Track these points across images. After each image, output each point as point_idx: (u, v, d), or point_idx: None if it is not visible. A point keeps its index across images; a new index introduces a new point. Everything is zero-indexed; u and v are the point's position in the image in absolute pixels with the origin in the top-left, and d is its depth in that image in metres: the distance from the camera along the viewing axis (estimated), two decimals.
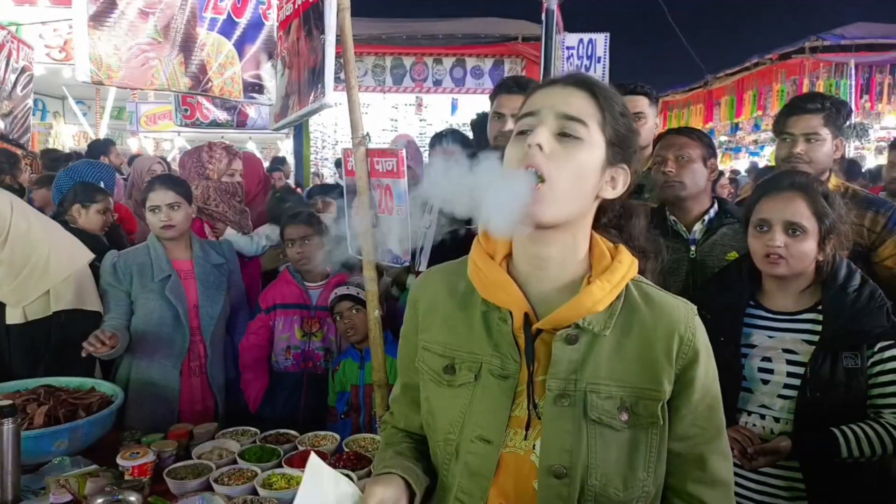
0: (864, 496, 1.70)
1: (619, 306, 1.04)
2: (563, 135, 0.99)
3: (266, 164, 8.28)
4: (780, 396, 1.72)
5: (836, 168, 2.34)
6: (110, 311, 2.56)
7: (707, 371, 1.06)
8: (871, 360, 1.67)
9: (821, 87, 8.68)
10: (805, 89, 8.89)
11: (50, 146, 10.56)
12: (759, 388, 1.76)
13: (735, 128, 12.14)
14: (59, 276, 2.41)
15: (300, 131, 8.64)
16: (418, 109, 9.82)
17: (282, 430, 2.27)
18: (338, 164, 8.90)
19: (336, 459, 2.05)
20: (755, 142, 12.63)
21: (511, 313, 1.04)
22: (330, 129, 10.15)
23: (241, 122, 6.06)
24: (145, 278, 2.57)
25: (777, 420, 1.73)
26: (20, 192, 4.10)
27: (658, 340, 1.03)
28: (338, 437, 2.23)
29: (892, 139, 6.32)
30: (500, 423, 1.04)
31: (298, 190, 6.37)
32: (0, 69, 3.62)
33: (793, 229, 1.70)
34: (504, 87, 2.47)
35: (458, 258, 1.19)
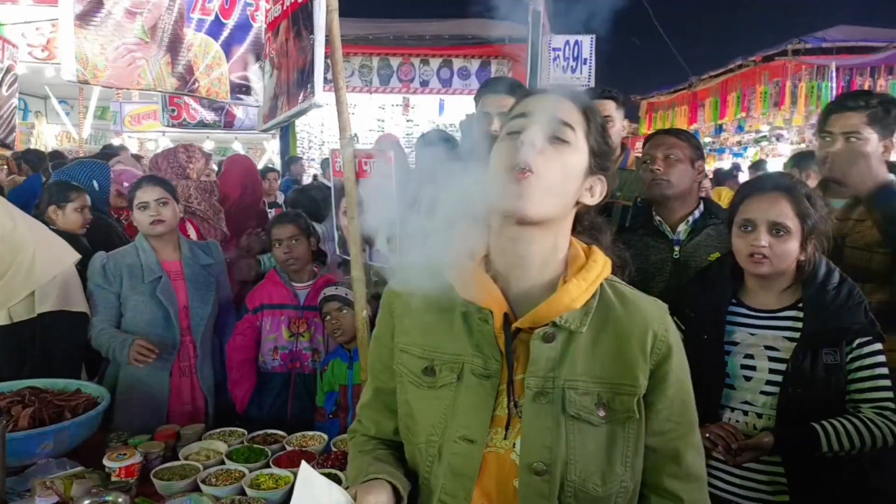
0: (843, 490, 1.74)
1: (594, 304, 1.07)
2: (552, 138, 1.03)
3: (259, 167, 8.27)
4: (762, 393, 1.75)
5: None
6: (99, 313, 2.55)
7: (681, 366, 1.09)
8: (850, 356, 1.71)
9: (803, 90, 8.81)
10: (787, 91, 9.02)
11: (32, 146, 10.44)
12: (742, 384, 1.79)
13: (719, 129, 12.28)
14: (45, 276, 2.39)
15: (287, 132, 8.63)
16: (405, 110, 9.82)
17: (269, 431, 2.27)
18: (324, 164, 8.88)
19: (324, 459, 2.06)
20: (739, 143, 12.76)
21: (492, 313, 1.06)
22: (317, 130, 10.12)
23: (228, 123, 6.06)
24: (135, 280, 2.57)
25: (760, 416, 1.75)
26: None
27: (633, 337, 1.05)
28: (325, 436, 2.23)
29: None
30: (484, 422, 1.05)
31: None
32: None
33: (777, 229, 1.72)
34: (489, 88, 2.50)
35: None
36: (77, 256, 2.56)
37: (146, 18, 1.92)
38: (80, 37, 1.80)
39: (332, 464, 2.00)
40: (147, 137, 11.54)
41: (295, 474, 1.90)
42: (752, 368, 1.78)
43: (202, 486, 1.87)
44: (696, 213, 2.26)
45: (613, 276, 1.13)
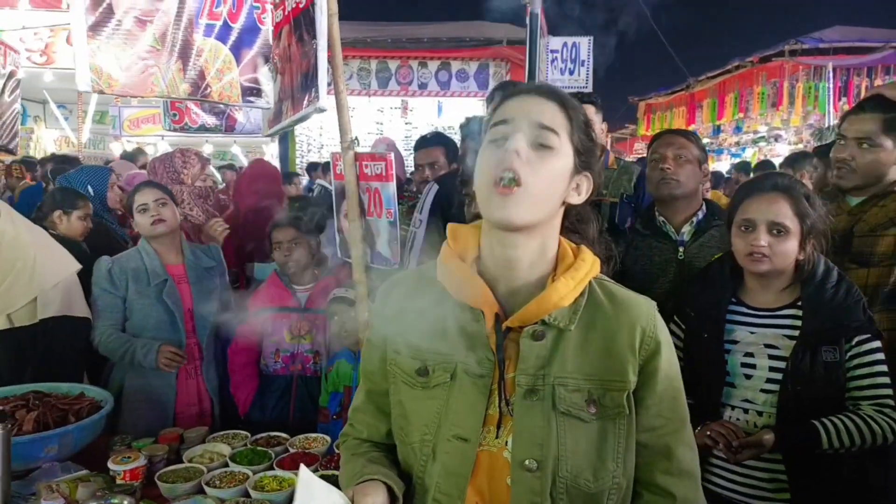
0: (843, 487, 1.75)
1: (582, 302, 1.08)
2: (537, 143, 1.03)
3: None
4: (762, 391, 1.77)
5: None
6: (105, 318, 2.56)
7: (670, 362, 1.10)
8: (849, 354, 1.72)
9: (800, 90, 8.83)
10: (785, 92, 9.05)
11: (31, 151, 10.44)
12: (743, 382, 1.80)
13: (717, 130, 12.31)
14: (47, 283, 2.40)
15: (286, 135, 8.64)
16: (404, 112, 9.84)
17: (272, 433, 2.28)
18: (325, 167, 8.89)
19: (327, 461, 2.07)
20: (737, 143, 12.79)
21: (483, 313, 1.07)
22: (315, 133, 10.14)
23: (229, 127, 6.07)
24: (141, 284, 2.59)
25: (760, 414, 1.77)
26: None
27: (621, 333, 1.07)
28: (328, 438, 2.24)
29: None
30: (477, 421, 1.06)
31: None
32: None
33: (776, 229, 1.74)
34: (502, 90, 2.53)
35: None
36: (78, 266, 2.57)
37: (156, 26, 1.94)
38: (93, 47, 1.82)
39: (335, 466, 2.01)
40: (146, 142, 11.53)
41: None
42: (753, 367, 1.79)
43: (206, 489, 1.88)
44: (700, 215, 2.27)
45: (603, 275, 1.14)
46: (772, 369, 1.76)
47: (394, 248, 2.26)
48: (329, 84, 2.08)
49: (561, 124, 1.05)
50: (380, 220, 2.26)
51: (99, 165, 3.92)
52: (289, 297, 2.80)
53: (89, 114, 9.62)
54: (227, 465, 2.03)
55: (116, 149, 11.16)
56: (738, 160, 11.49)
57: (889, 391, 1.71)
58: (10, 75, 3.72)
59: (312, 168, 8.51)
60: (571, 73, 7.33)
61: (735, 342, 1.83)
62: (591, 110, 2.81)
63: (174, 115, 5.73)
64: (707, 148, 2.63)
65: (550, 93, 1.08)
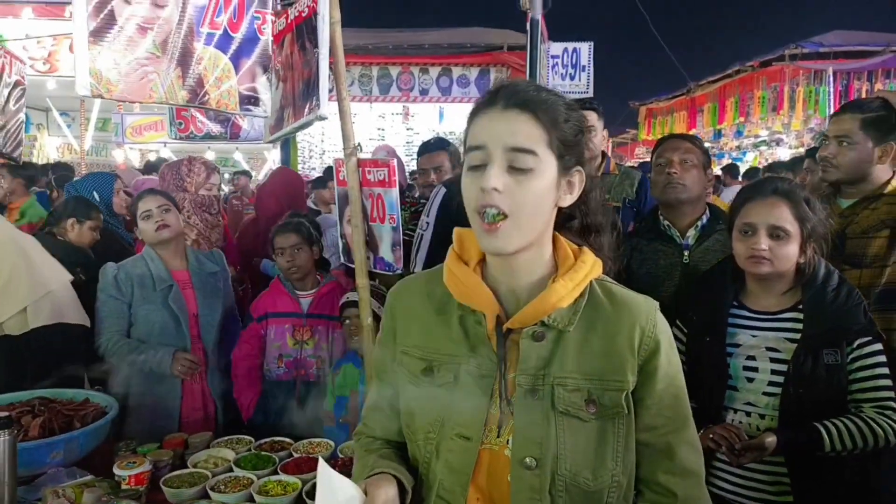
0: (846, 489, 1.75)
1: (582, 303, 1.09)
2: (513, 169, 1.01)
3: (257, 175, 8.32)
4: (764, 394, 1.77)
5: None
6: (111, 324, 2.58)
7: (670, 362, 1.10)
8: (851, 356, 1.73)
9: (801, 94, 8.85)
10: (786, 96, 9.06)
11: (34, 159, 10.48)
12: (745, 385, 1.81)
13: (718, 134, 12.32)
14: (37, 293, 2.39)
15: (287, 142, 8.64)
16: (405, 118, 9.85)
17: (276, 438, 2.29)
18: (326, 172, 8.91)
19: (331, 465, 2.07)
20: (738, 147, 12.81)
21: (485, 315, 1.09)
22: (317, 139, 10.16)
23: (234, 135, 6.12)
24: (146, 289, 2.61)
25: (762, 417, 1.77)
26: None
27: (621, 333, 1.08)
28: (332, 443, 2.25)
29: None
30: (479, 420, 1.08)
31: None
32: None
33: (777, 233, 1.75)
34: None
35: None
36: (68, 278, 2.55)
37: (157, 33, 1.96)
38: (94, 52, 1.83)
39: (339, 469, 2.00)
40: (149, 149, 11.57)
41: (303, 480, 1.93)
42: (755, 370, 1.80)
43: (211, 494, 1.88)
44: (704, 219, 2.28)
45: (605, 276, 1.15)
46: (774, 372, 1.76)
47: (396, 254, 2.27)
48: (331, 91, 2.10)
49: (537, 138, 1.01)
50: (382, 226, 2.28)
51: (104, 172, 3.96)
52: (291, 303, 2.81)
53: (92, 121, 9.66)
54: (231, 470, 2.04)
55: (119, 156, 11.20)
56: (738, 164, 11.51)
57: (891, 393, 1.72)
58: (16, 84, 3.74)
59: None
60: (572, 78, 7.37)
61: (737, 345, 1.83)
62: (592, 117, 2.84)
63: (180, 123, 5.77)
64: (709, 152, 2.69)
65: (521, 104, 1.02)
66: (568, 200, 1.09)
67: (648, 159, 4.47)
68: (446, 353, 1.12)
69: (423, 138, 6.51)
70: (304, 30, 2.07)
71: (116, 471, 1.92)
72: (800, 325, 1.76)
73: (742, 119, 10.47)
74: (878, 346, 1.74)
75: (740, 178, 7.98)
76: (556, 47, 7.49)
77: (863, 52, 8.77)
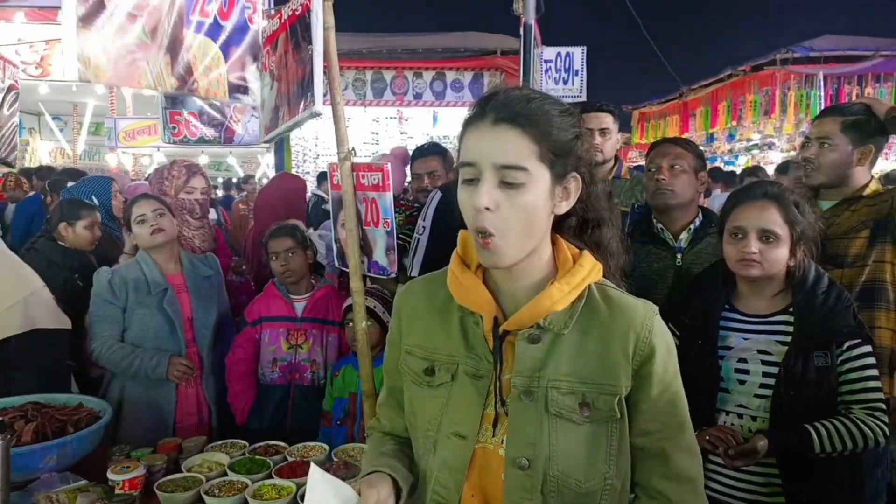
0: (837, 490, 1.77)
1: (579, 307, 1.10)
2: (504, 184, 1.01)
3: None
4: (756, 396, 1.79)
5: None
6: (105, 329, 2.57)
7: (666, 367, 1.11)
8: (841, 359, 1.75)
9: (792, 98, 8.91)
10: (777, 100, 9.12)
11: (27, 163, 10.44)
12: (737, 388, 1.82)
13: (710, 138, 12.38)
14: (2, 305, 2.35)
15: (281, 145, 8.65)
16: (399, 122, 9.87)
17: (271, 442, 2.28)
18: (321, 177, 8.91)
19: (325, 469, 2.07)
20: (730, 151, 12.88)
21: (482, 317, 1.11)
22: (311, 143, 10.16)
23: (228, 139, 6.09)
24: (141, 293, 2.61)
25: (754, 419, 1.79)
26: None
27: (615, 338, 1.08)
28: (326, 447, 2.25)
29: None
30: (474, 419, 1.10)
31: None
32: None
33: (766, 236, 1.77)
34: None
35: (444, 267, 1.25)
36: (37, 284, 2.52)
37: (146, 20, 1.95)
38: (83, 38, 1.82)
39: (333, 473, 2.01)
40: (142, 153, 11.55)
41: (297, 484, 1.93)
42: (746, 372, 1.81)
43: (205, 498, 1.88)
44: (697, 222, 2.30)
45: (605, 280, 1.16)
46: (765, 375, 1.78)
47: (390, 257, 2.28)
48: (325, 95, 2.11)
49: (527, 152, 1.01)
50: (376, 230, 2.29)
51: (101, 175, 3.96)
52: (286, 307, 2.81)
53: (84, 125, 9.65)
54: (225, 475, 2.04)
55: (112, 160, 11.16)
56: (731, 167, 11.57)
57: (879, 395, 1.74)
58: (10, 89, 3.73)
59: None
60: (566, 82, 7.40)
61: (729, 348, 1.85)
62: (609, 119, 2.85)
63: (173, 127, 5.75)
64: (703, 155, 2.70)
65: (508, 119, 1.01)
66: (564, 207, 1.09)
67: (642, 163, 4.49)
68: (446, 353, 1.15)
69: (416, 142, 6.52)
70: (298, 28, 2.08)
71: (110, 475, 1.92)
72: (790, 328, 1.78)
73: (734, 123, 10.53)
74: (868, 349, 1.76)
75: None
76: (550, 52, 7.52)
77: (853, 57, 8.84)
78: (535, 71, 6.07)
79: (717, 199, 6.45)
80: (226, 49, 2.28)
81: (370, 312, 2.57)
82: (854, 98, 8.71)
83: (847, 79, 8.85)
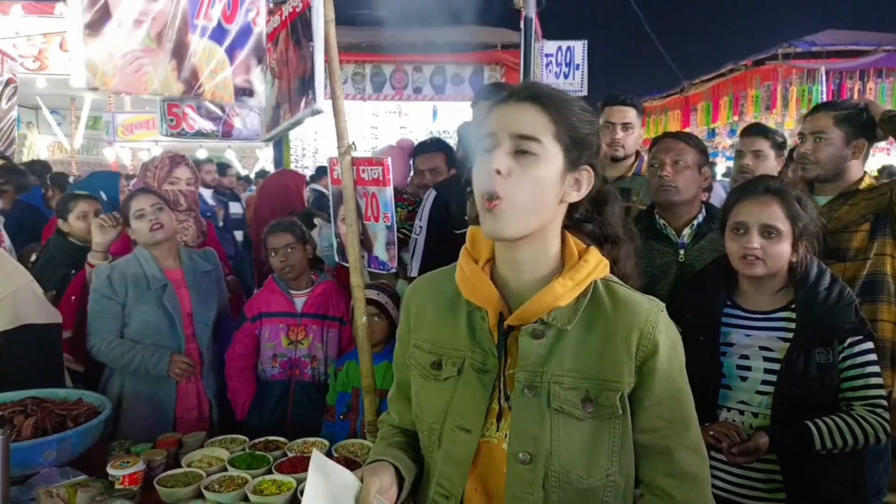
0: (838, 486, 1.77)
1: (584, 303, 1.10)
2: (518, 152, 1.04)
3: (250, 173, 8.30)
4: (758, 392, 1.78)
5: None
6: (104, 324, 2.56)
7: (671, 364, 1.10)
8: (842, 355, 1.74)
9: (794, 93, 8.89)
10: (779, 95, 9.10)
11: (24, 158, 10.42)
12: (738, 384, 1.82)
13: (712, 133, 12.35)
14: None
15: (280, 140, 8.64)
16: (399, 116, 9.85)
17: (271, 438, 2.28)
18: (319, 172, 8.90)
19: None
20: (732, 146, 12.84)
21: (488, 312, 1.12)
22: (310, 138, 10.13)
23: (226, 133, 6.07)
24: (140, 289, 2.60)
25: (755, 415, 1.79)
26: None
27: (619, 334, 1.08)
28: (327, 442, 2.24)
29: None
30: (479, 413, 1.11)
31: None
32: None
33: (768, 232, 1.76)
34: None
35: (451, 261, 1.26)
36: (19, 284, 2.48)
37: (152, 26, 1.95)
38: (90, 45, 1.83)
39: None
40: (140, 147, 11.53)
41: (298, 480, 1.92)
42: (748, 369, 1.81)
43: (205, 493, 1.88)
44: (700, 218, 2.28)
45: (612, 276, 1.16)
46: (766, 371, 1.78)
47: (391, 252, 2.27)
48: (325, 89, 2.10)
49: (543, 129, 1.05)
50: (377, 225, 2.28)
51: (108, 171, 3.97)
52: (286, 302, 2.80)
53: (82, 119, 9.62)
54: (225, 470, 2.03)
55: (110, 154, 11.15)
56: (731, 162, 11.53)
57: (881, 391, 1.73)
58: (8, 82, 3.72)
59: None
60: (566, 76, 7.37)
61: (730, 345, 1.84)
62: (632, 114, 2.83)
63: (171, 120, 5.72)
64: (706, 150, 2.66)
65: (531, 97, 1.07)
66: (574, 197, 1.11)
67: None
68: (453, 347, 1.16)
69: (416, 137, 6.50)
70: (299, 25, 2.07)
71: (110, 470, 1.91)
72: (793, 325, 1.77)
73: (736, 118, 10.50)
74: (869, 345, 1.75)
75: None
76: (550, 45, 7.49)
77: (855, 52, 8.82)
78: (535, 65, 6.05)
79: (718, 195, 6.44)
80: (230, 52, 2.28)
81: (379, 307, 2.56)
82: (856, 93, 8.70)
83: (849, 74, 8.83)
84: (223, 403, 2.78)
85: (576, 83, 7.38)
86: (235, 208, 6.98)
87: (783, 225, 1.75)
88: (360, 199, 2.29)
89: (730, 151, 12.72)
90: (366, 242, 2.34)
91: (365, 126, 9.82)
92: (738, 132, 2.98)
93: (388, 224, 2.23)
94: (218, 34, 2.17)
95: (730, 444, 1.69)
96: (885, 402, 1.73)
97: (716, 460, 1.80)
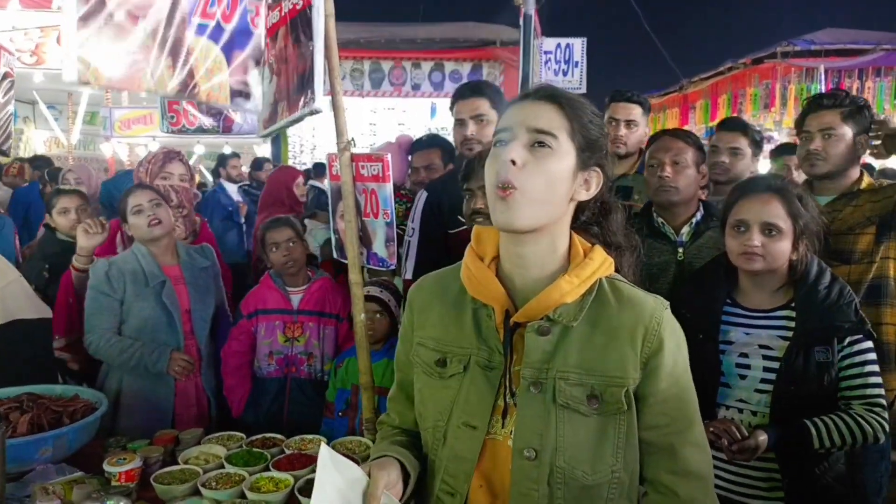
0: (834, 485, 1.77)
1: (589, 300, 1.11)
2: (533, 145, 1.06)
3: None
4: (756, 391, 1.78)
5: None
6: (102, 321, 2.55)
7: (676, 361, 1.11)
8: (841, 354, 1.74)
9: (792, 92, 8.88)
10: (777, 93, 9.10)
11: (21, 153, 10.38)
12: (737, 383, 1.81)
13: (710, 131, 12.31)
14: None
15: (278, 137, 8.63)
16: (397, 113, 9.83)
17: (268, 435, 2.27)
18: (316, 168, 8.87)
19: None
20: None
21: (494, 309, 1.13)
22: (308, 134, 10.12)
23: (226, 128, 6.07)
24: (139, 285, 2.58)
25: (754, 414, 1.78)
26: None
27: (624, 331, 1.09)
28: (324, 439, 2.24)
29: None
30: (485, 410, 1.12)
31: None
32: None
33: (769, 230, 1.76)
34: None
35: (445, 261, 1.28)
36: (6, 279, 2.49)
37: (148, 22, 1.92)
38: (82, 38, 1.80)
39: None
40: (137, 142, 11.48)
41: (295, 477, 1.92)
42: (747, 367, 1.80)
43: (202, 490, 1.87)
44: (698, 216, 2.27)
45: (616, 275, 1.17)
46: (766, 370, 1.77)
47: (390, 249, 2.26)
48: (325, 86, 2.08)
49: (559, 126, 1.07)
50: (376, 221, 2.26)
51: (130, 170, 3.97)
52: (282, 299, 2.79)
53: (80, 114, 9.56)
54: (222, 467, 2.03)
55: (107, 150, 11.09)
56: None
57: (880, 391, 1.73)
58: (5, 76, 3.69)
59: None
60: (565, 74, 7.37)
61: (730, 343, 1.84)
62: (637, 111, 2.82)
63: (172, 116, 5.71)
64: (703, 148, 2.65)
65: (548, 96, 1.10)
66: (584, 195, 1.13)
67: None
68: (458, 345, 1.16)
69: (415, 133, 6.49)
70: (299, 22, 2.05)
71: (106, 467, 1.90)
72: (792, 323, 1.77)
73: (734, 116, 10.50)
74: (869, 344, 1.75)
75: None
76: (549, 43, 7.49)
77: (854, 51, 8.81)
78: (534, 62, 6.05)
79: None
80: (228, 53, 2.25)
81: (381, 304, 2.55)
82: (854, 92, 8.69)
83: (848, 72, 8.83)
84: (222, 399, 2.77)
85: (574, 80, 7.38)
86: None
87: (784, 223, 1.75)
88: (359, 196, 2.28)
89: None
90: (365, 239, 2.33)
91: (363, 123, 9.81)
92: (716, 126, 2.92)
93: (388, 221, 2.22)
94: (216, 33, 2.15)
95: (729, 441, 1.69)
96: (883, 402, 1.73)
97: (714, 458, 1.80)
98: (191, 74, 2.08)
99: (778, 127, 10.20)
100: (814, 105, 2.32)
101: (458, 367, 1.15)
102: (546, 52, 7.47)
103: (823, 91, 8.46)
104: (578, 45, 7.48)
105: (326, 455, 1.07)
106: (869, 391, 1.73)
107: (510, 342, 1.11)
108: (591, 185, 1.13)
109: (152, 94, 2.08)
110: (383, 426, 1.35)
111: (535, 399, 1.08)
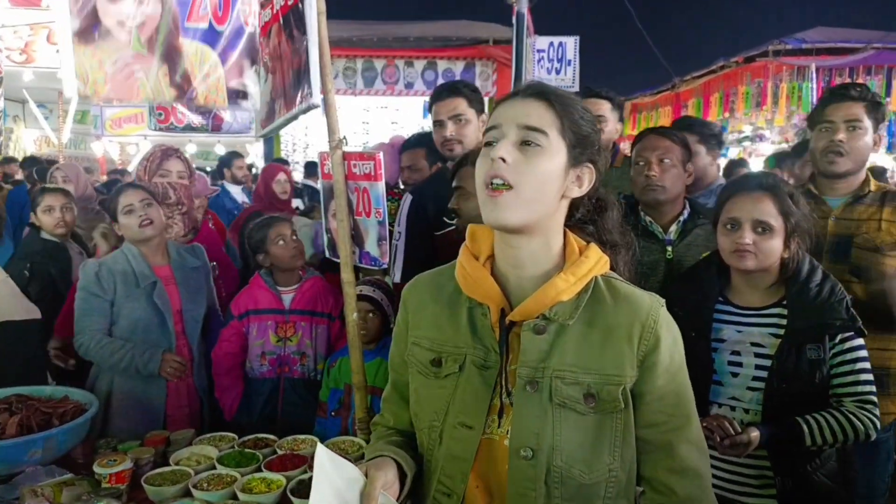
0: (826, 482, 1.77)
1: (585, 298, 1.10)
2: (524, 143, 1.06)
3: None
4: (749, 388, 1.79)
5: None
6: (92, 322, 2.53)
7: (672, 359, 1.11)
8: (833, 352, 1.75)
9: (784, 90, 8.92)
10: (769, 92, 9.13)
11: (11, 152, 10.30)
12: (730, 380, 1.82)
13: None
14: None
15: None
16: (390, 112, 9.81)
17: (260, 435, 2.26)
18: (308, 167, 8.85)
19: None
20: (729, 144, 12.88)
21: (489, 308, 1.12)
22: (301, 133, 10.08)
23: (216, 127, 6.03)
24: (129, 286, 2.56)
25: (746, 411, 1.79)
26: None
27: (620, 328, 1.09)
28: (317, 440, 2.23)
29: None
30: (481, 410, 1.11)
31: None
32: None
33: (761, 227, 1.76)
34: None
35: (432, 263, 1.27)
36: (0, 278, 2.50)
37: (141, 31, 1.92)
38: (80, 53, 1.80)
39: None
40: (128, 141, 11.41)
41: (287, 478, 1.91)
42: (739, 365, 1.81)
43: (194, 492, 1.86)
44: (685, 214, 2.28)
45: (612, 273, 1.17)
46: (758, 367, 1.78)
47: (382, 248, 2.25)
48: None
49: (549, 123, 1.07)
50: (368, 220, 2.26)
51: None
52: (273, 299, 2.77)
53: (70, 113, 9.48)
54: (214, 468, 2.01)
55: (98, 149, 11.02)
56: (722, 158, 11.58)
57: (871, 388, 1.74)
58: None
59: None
60: (558, 72, 7.36)
61: (722, 341, 1.84)
62: (605, 106, 2.83)
63: (160, 114, 5.68)
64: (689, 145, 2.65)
65: (537, 93, 1.10)
66: (576, 192, 1.12)
67: None
68: (454, 344, 1.15)
69: (407, 132, 6.48)
70: (292, 18, 2.04)
71: (97, 469, 1.89)
72: (784, 321, 1.78)
73: (726, 115, 10.53)
74: (860, 342, 1.76)
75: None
76: (542, 41, 7.47)
77: (845, 49, 8.85)
78: (527, 61, 6.04)
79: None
80: (223, 54, 2.25)
81: (374, 303, 2.54)
82: None
83: (839, 71, 8.86)
84: (213, 400, 2.75)
85: (567, 79, 7.37)
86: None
87: (775, 221, 1.75)
88: (351, 195, 2.27)
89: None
90: (357, 238, 2.32)
91: (356, 121, 9.78)
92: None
93: (380, 219, 2.21)
94: (210, 36, 2.15)
95: (721, 437, 1.69)
96: (874, 399, 1.73)
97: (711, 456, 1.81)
98: (187, 79, 2.08)
99: (769, 125, 10.25)
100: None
101: (453, 366, 1.14)
102: (539, 51, 7.45)
103: (814, 88, 8.53)
104: (571, 43, 7.47)
105: (323, 455, 1.06)
106: (860, 388, 1.73)
107: (506, 341, 1.10)
108: (584, 182, 1.12)
109: (151, 102, 2.09)
110: (378, 427, 1.34)
111: (532, 398, 1.08)
